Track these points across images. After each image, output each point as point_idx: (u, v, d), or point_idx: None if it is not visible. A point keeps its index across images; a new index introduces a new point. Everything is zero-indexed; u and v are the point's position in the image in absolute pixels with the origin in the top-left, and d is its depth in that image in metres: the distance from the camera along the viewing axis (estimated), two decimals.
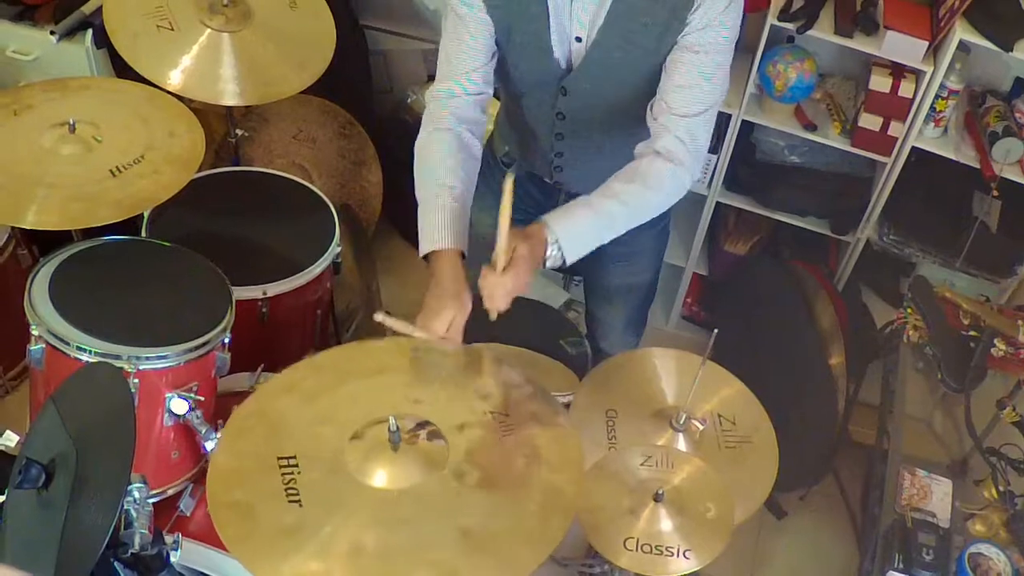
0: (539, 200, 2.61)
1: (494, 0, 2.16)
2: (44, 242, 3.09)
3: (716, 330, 2.21)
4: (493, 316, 2.04)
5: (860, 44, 3.12)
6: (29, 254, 3.32)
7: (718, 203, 3.60)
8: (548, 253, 2.05)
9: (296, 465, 1.75)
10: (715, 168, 3.50)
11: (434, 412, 1.86)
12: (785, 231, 3.66)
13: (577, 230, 2.07)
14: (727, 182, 3.53)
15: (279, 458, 1.76)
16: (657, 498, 2.05)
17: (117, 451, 1.80)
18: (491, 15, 2.18)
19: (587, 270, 2.87)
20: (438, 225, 2.13)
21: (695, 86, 2.13)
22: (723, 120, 3.43)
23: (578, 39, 2.19)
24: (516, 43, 2.23)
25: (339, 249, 2.75)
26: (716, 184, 3.53)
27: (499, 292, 2.01)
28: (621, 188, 2.12)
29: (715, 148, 3.49)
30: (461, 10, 2.18)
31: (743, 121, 3.36)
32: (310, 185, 2.92)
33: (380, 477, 1.74)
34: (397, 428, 1.74)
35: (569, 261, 2.07)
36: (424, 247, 2.14)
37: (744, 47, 3.48)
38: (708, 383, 2.32)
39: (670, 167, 2.13)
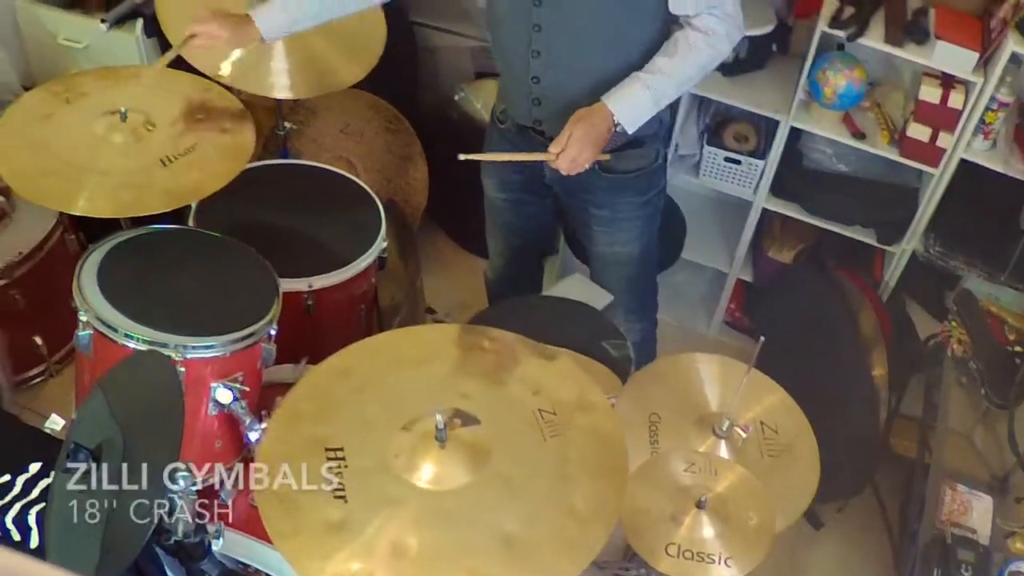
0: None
1: None
2: (91, 228, 3.12)
3: (763, 338, 2.20)
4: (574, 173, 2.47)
5: (910, 53, 3.09)
6: (76, 240, 3.35)
7: (764, 209, 3.58)
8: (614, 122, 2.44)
9: (343, 458, 1.75)
10: (762, 174, 3.49)
11: (482, 407, 1.87)
12: (830, 239, 3.63)
13: (633, 106, 2.43)
14: (774, 188, 3.50)
15: (327, 449, 1.77)
16: (700, 505, 2.05)
17: (164, 439, 1.81)
18: None
19: (580, 234, 3.03)
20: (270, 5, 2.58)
21: None
22: (771, 126, 3.42)
23: None
24: None
25: (385, 244, 2.76)
26: (762, 190, 3.52)
27: (564, 164, 2.43)
28: (663, 62, 2.44)
29: (762, 154, 3.49)
30: None
31: (791, 128, 3.34)
32: (357, 180, 2.92)
33: (426, 473, 1.74)
34: (444, 425, 1.75)
35: (630, 131, 2.47)
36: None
37: (794, 53, 3.48)
38: (752, 390, 2.31)
39: (706, 38, 2.43)
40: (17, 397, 3.31)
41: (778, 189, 3.52)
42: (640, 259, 2.93)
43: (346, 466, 1.74)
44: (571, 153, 2.41)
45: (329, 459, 1.75)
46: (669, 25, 2.50)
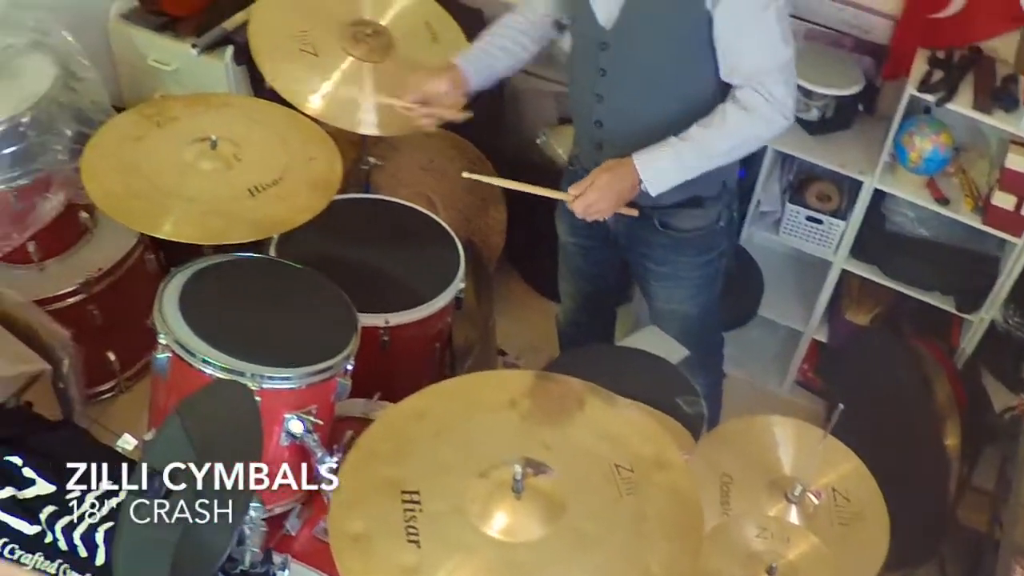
0: None
1: None
2: (171, 249, 3.15)
3: (841, 406, 2.18)
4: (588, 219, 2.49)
5: (999, 120, 3.05)
6: (156, 259, 3.40)
7: (843, 270, 3.55)
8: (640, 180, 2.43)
9: (419, 502, 1.75)
10: (842, 235, 3.46)
11: (559, 459, 1.86)
12: (908, 304, 3.58)
13: (657, 167, 2.41)
14: (854, 250, 3.47)
15: (403, 492, 1.76)
16: (771, 572, 2.02)
17: None
18: None
19: (640, 287, 3.05)
20: (470, 49, 2.71)
21: (747, 47, 2.38)
22: (855, 187, 3.39)
23: None
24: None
25: (463, 285, 2.76)
26: (843, 251, 3.49)
27: (579, 208, 2.45)
28: (696, 131, 2.41)
29: (844, 214, 3.46)
30: None
31: (874, 190, 3.31)
32: (438, 219, 2.93)
33: (500, 523, 1.73)
34: (522, 476, 1.74)
35: (653, 193, 2.45)
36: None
37: (880, 114, 3.45)
38: (826, 457, 2.28)
39: (744, 114, 2.38)
40: (87, 411, 3.35)
41: (858, 251, 3.49)
42: (699, 317, 2.91)
43: (421, 510, 1.74)
44: (589, 198, 2.42)
45: (405, 502, 1.75)
46: (725, 88, 2.48)
